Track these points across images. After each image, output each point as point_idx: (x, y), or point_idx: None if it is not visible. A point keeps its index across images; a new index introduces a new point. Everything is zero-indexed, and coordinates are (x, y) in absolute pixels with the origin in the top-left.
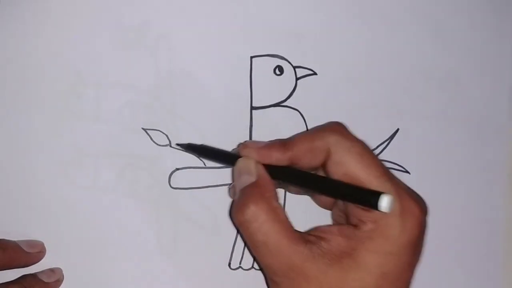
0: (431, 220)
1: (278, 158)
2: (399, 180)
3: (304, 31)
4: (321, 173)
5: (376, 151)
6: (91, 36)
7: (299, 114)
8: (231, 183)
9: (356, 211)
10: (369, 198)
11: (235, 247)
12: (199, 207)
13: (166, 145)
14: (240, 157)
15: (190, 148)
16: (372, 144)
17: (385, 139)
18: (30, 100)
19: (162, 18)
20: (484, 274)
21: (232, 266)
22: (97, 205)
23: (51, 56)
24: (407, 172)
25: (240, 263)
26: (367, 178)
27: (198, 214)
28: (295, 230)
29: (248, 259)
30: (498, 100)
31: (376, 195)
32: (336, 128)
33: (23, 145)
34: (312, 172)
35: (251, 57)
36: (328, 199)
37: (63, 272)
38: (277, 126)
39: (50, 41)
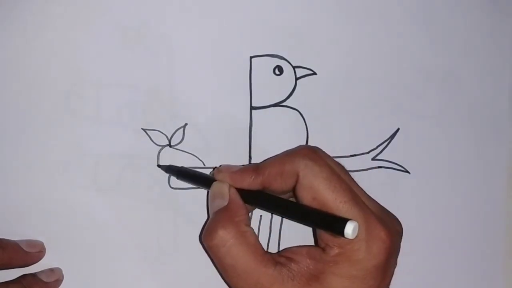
0: (431, 220)
1: (250, 182)
2: (370, 201)
3: (304, 31)
4: (293, 198)
5: (376, 151)
6: (91, 36)
7: (298, 114)
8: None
9: (324, 235)
10: (334, 225)
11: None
12: (199, 207)
13: (166, 145)
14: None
15: (170, 170)
16: (372, 144)
17: (385, 139)
18: (30, 100)
19: (162, 18)
20: (484, 274)
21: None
22: (97, 205)
23: (51, 56)
24: (407, 172)
25: None
26: (334, 203)
27: (198, 214)
28: (266, 252)
29: None
30: (498, 100)
31: (342, 221)
32: (306, 152)
33: (23, 145)
34: (285, 196)
35: (251, 57)
36: None
37: (63, 272)
38: (277, 126)
39: (50, 41)
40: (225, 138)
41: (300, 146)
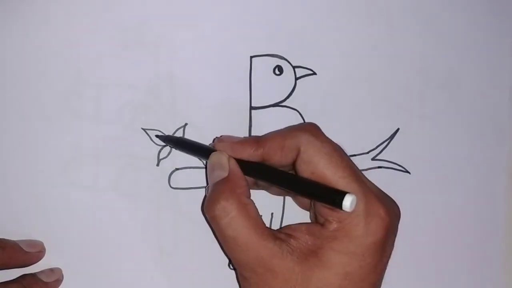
0: (431, 220)
1: (250, 153)
2: (371, 183)
3: (304, 31)
4: (292, 172)
5: (376, 151)
6: (91, 36)
7: (298, 114)
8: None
9: (323, 210)
10: (333, 197)
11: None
12: (199, 207)
13: (166, 145)
14: (215, 151)
15: (168, 139)
16: (372, 144)
17: (385, 139)
18: (30, 100)
19: (162, 18)
20: (484, 274)
21: (232, 266)
22: (97, 205)
23: (51, 56)
24: (407, 172)
25: None
26: (333, 178)
27: (198, 214)
28: (266, 227)
29: None
30: (498, 100)
31: (340, 194)
32: (308, 128)
33: (23, 145)
34: (283, 170)
35: (251, 57)
36: (305, 200)
37: (63, 272)
38: (276, 126)
39: (50, 41)
40: None
41: (302, 122)
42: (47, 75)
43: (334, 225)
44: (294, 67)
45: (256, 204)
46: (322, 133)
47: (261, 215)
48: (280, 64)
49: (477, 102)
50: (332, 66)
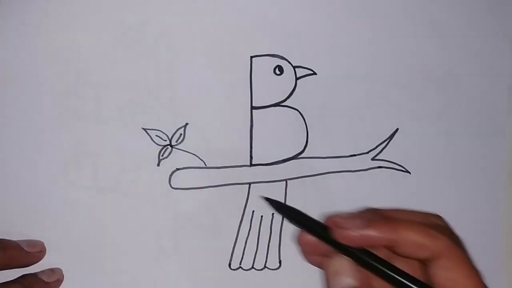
0: None
1: (377, 236)
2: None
3: (304, 31)
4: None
5: (376, 151)
6: (91, 36)
7: (299, 114)
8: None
9: None
10: None
11: (235, 247)
12: (199, 207)
13: (166, 145)
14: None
15: (281, 209)
16: (372, 144)
17: (385, 139)
18: (30, 100)
19: (162, 18)
20: (484, 274)
21: (232, 266)
22: (97, 205)
23: (51, 56)
24: (407, 172)
25: (240, 263)
26: None
27: (198, 214)
28: None
29: (248, 259)
30: (498, 100)
31: None
32: (449, 233)
33: (23, 145)
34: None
35: (251, 57)
36: None
37: (63, 272)
38: (277, 126)
39: (50, 41)
40: (226, 138)
41: (436, 217)
42: (47, 75)
43: None
44: (294, 67)
45: (256, 204)
46: (460, 239)
47: (262, 216)
48: (280, 64)
49: (476, 102)
50: (332, 66)
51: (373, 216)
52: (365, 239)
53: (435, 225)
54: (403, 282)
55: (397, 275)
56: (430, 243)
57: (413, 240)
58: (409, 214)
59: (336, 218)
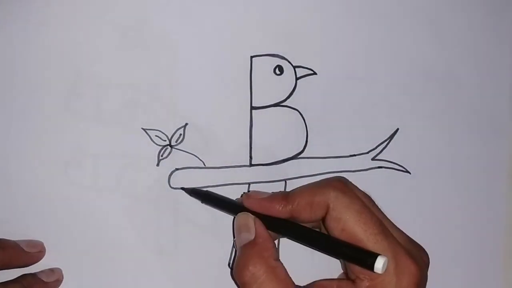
0: (431, 220)
1: (279, 210)
2: (398, 232)
3: (305, 31)
4: (321, 228)
5: (376, 151)
6: (91, 35)
7: (299, 114)
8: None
9: (354, 267)
10: (364, 259)
11: (235, 247)
12: (199, 207)
13: (166, 145)
14: (242, 207)
15: (194, 192)
16: (372, 144)
17: (385, 139)
18: (30, 100)
19: (162, 18)
20: (484, 274)
21: (232, 266)
22: (97, 205)
23: (51, 56)
24: (407, 172)
25: None
26: (364, 235)
27: (198, 214)
28: (296, 286)
29: None
30: (498, 100)
31: (372, 256)
32: (337, 185)
33: (23, 145)
34: (310, 226)
35: (251, 57)
36: None
37: (63, 272)
38: (277, 126)
39: (50, 41)
40: (226, 138)
41: (330, 177)
42: (47, 75)
43: (365, 283)
44: (294, 67)
45: None
46: (350, 188)
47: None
48: (280, 64)
49: (477, 102)
50: (332, 66)
51: (277, 192)
52: (263, 208)
53: (323, 183)
54: (305, 237)
55: (298, 231)
56: (317, 199)
57: (303, 202)
58: (306, 184)
59: (250, 191)
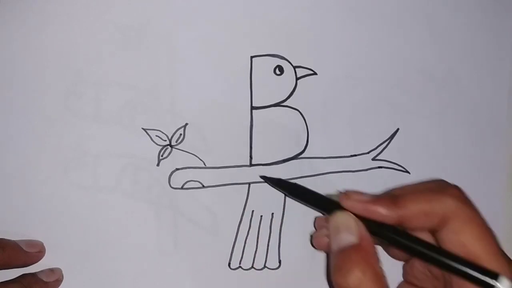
0: None
1: (384, 215)
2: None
3: (305, 31)
4: (424, 236)
5: (376, 151)
6: (91, 36)
7: (299, 114)
8: (314, 232)
9: (463, 283)
10: (485, 279)
11: (235, 247)
12: (199, 207)
13: (166, 145)
14: (339, 206)
15: (279, 185)
16: (372, 144)
17: (385, 139)
18: (30, 100)
19: (162, 18)
20: None
21: (232, 266)
22: (97, 205)
23: (51, 56)
24: (407, 172)
25: (240, 263)
26: (484, 253)
27: (198, 214)
28: None
29: (248, 259)
30: (498, 100)
31: (493, 276)
32: (454, 193)
33: (23, 145)
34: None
35: (251, 57)
36: (402, 254)
37: (63, 272)
38: (277, 126)
39: (50, 41)
40: (226, 138)
41: (439, 181)
42: (47, 75)
43: None
44: (294, 67)
45: (256, 204)
46: (469, 198)
47: (262, 216)
48: (280, 64)
49: (476, 102)
50: (332, 66)
51: (381, 194)
52: (367, 210)
53: (439, 189)
54: (415, 248)
55: (406, 240)
56: (434, 208)
57: (417, 210)
58: (413, 186)
59: (348, 191)
